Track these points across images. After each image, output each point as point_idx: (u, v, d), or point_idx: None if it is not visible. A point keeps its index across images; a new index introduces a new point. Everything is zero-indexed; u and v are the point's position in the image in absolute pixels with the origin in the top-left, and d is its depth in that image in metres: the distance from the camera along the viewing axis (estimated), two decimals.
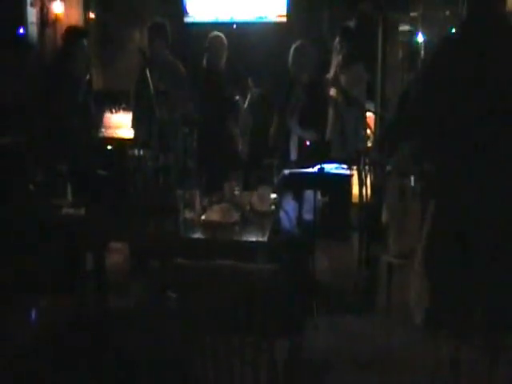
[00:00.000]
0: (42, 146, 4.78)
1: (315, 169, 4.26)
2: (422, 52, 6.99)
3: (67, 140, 4.75)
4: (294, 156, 5.17)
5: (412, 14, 7.43)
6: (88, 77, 5.39)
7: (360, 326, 4.07)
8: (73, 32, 5.14)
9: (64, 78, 4.87)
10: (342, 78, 5.73)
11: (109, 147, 5.76)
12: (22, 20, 6.34)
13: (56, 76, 4.93)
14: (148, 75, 4.49)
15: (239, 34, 7.42)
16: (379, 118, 5.39)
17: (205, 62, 5.57)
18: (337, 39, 5.95)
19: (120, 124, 6.37)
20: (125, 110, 6.40)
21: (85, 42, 5.01)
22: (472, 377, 3.41)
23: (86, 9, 7.47)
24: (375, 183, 4.77)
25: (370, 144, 6.09)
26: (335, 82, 5.69)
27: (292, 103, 5.15)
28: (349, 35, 5.90)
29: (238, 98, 5.58)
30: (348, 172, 4.63)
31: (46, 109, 4.81)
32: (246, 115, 5.63)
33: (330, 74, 5.82)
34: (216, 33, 5.63)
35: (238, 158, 5.55)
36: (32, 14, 6.47)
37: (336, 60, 5.86)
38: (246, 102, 5.71)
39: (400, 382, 3.50)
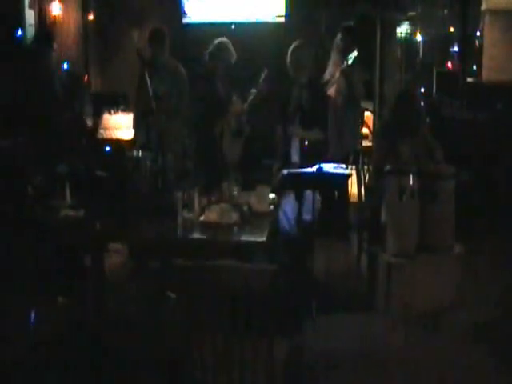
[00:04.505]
0: (36, 144, 4.84)
1: (314, 168, 4.25)
2: (421, 51, 7.00)
3: (58, 136, 4.84)
4: (295, 158, 5.11)
5: (410, 14, 7.45)
6: (86, 77, 5.48)
7: (359, 326, 4.06)
8: (43, 35, 5.88)
9: (38, 75, 5.31)
10: (342, 77, 5.71)
11: (107, 148, 5.76)
12: (21, 22, 6.34)
13: (31, 74, 5.34)
14: (147, 79, 4.48)
15: (238, 35, 7.42)
16: (377, 117, 5.39)
17: (210, 65, 5.51)
18: (337, 37, 5.92)
19: (119, 125, 6.35)
20: (123, 111, 6.39)
21: (54, 44, 5.63)
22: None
23: (85, 10, 7.47)
24: (374, 183, 4.76)
25: (369, 143, 6.09)
26: (338, 80, 5.67)
27: (292, 104, 5.13)
28: (350, 34, 5.88)
29: (234, 98, 5.56)
30: (346, 171, 4.62)
31: (33, 107, 4.99)
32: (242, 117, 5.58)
33: (329, 71, 5.80)
34: (224, 39, 5.58)
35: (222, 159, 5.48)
36: (30, 15, 6.47)
37: (336, 58, 5.84)
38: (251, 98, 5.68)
39: (399, 381, 3.50)
